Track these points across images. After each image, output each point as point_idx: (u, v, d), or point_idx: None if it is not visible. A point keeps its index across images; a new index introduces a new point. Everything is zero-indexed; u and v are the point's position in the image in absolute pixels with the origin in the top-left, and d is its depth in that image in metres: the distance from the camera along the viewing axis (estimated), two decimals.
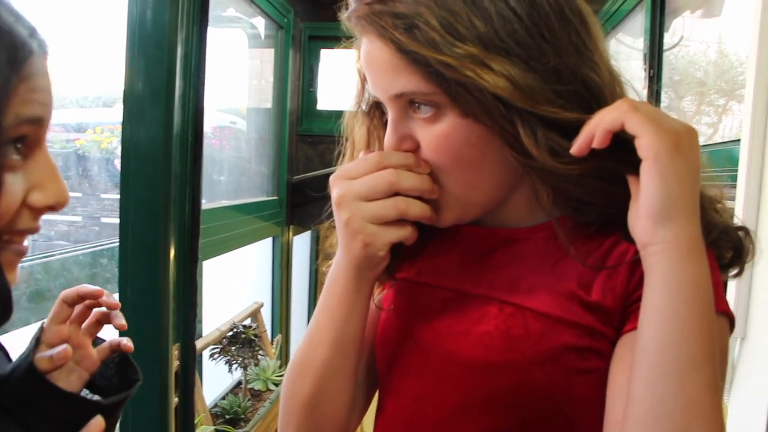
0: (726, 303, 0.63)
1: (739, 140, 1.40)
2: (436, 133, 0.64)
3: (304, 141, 3.48)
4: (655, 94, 2.12)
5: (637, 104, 0.55)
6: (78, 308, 0.75)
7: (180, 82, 1.37)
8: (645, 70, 2.25)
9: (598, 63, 0.63)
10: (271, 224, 2.98)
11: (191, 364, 1.54)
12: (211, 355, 2.32)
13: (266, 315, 2.98)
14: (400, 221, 0.66)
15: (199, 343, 2.09)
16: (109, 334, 0.78)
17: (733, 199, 1.34)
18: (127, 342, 0.76)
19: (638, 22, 2.48)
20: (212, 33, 1.62)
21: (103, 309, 0.76)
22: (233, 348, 2.38)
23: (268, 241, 3.10)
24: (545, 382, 0.64)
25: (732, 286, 1.34)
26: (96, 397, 0.74)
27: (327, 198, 0.69)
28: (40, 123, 0.52)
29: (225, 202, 2.62)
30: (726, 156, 1.62)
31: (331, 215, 0.69)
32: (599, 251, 0.66)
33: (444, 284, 0.74)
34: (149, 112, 1.33)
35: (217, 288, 2.39)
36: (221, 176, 2.74)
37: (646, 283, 0.56)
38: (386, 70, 0.63)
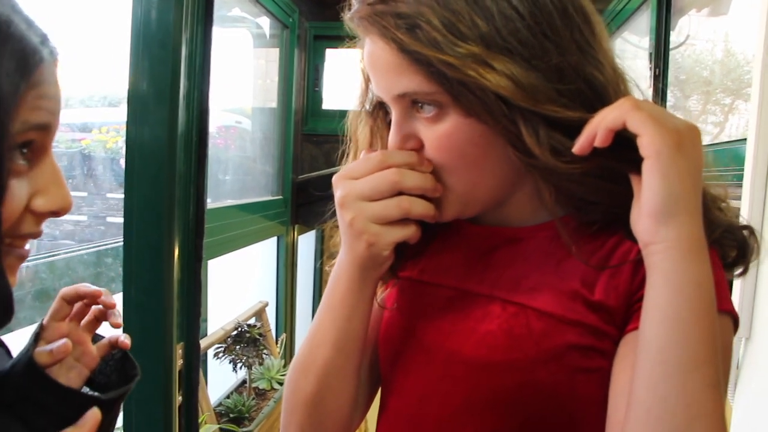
0: (729, 302, 0.63)
1: (745, 139, 1.39)
2: (439, 132, 0.64)
3: (309, 140, 3.48)
4: (660, 93, 2.11)
5: (639, 103, 0.55)
6: (77, 306, 0.76)
7: (184, 82, 1.37)
8: (650, 69, 2.24)
9: (602, 61, 0.62)
10: (276, 223, 2.98)
11: (195, 363, 1.54)
12: (216, 354, 2.32)
13: (271, 314, 2.98)
14: (403, 220, 0.66)
15: (203, 342, 2.10)
16: (109, 332, 0.79)
17: (738, 198, 1.33)
18: (124, 339, 0.77)
19: (644, 21, 2.47)
20: (217, 33, 1.62)
21: (102, 306, 0.76)
22: (238, 347, 2.38)
23: (273, 240, 3.10)
24: (548, 381, 0.64)
25: (737, 285, 1.33)
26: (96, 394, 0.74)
27: (332, 197, 0.69)
28: (47, 130, 0.52)
29: (230, 202, 2.62)
30: (732, 155, 1.61)
31: (335, 214, 0.69)
32: (602, 250, 0.66)
33: (447, 283, 0.74)
34: (153, 112, 1.33)
35: (222, 287, 2.39)
36: (226, 176, 2.75)
37: (648, 282, 0.56)
38: (389, 71, 0.63)
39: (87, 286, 0.75)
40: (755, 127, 1.32)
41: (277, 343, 2.89)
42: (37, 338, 0.73)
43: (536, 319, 0.66)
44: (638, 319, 0.57)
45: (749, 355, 1.36)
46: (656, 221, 0.54)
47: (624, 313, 0.63)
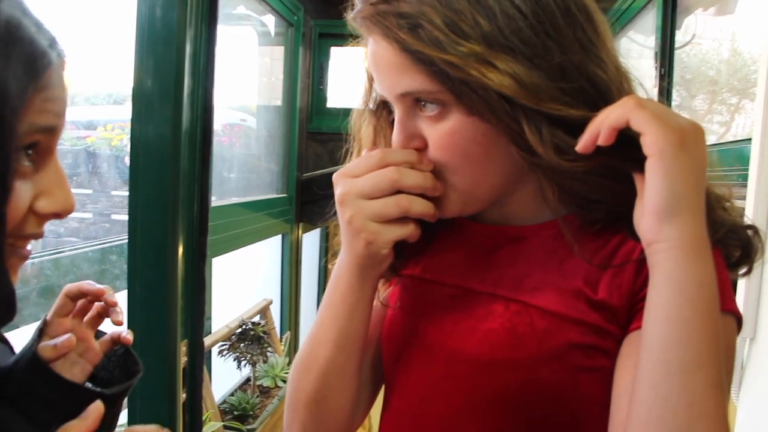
0: (733, 302, 0.63)
1: (750, 139, 1.39)
2: (443, 131, 0.64)
3: (314, 138, 3.48)
4: (666, 93, 2.10)
5: (642, 101, 0.55)
6: (80, 302, 0.76)
7: (189, 80, 1.38)
8: (656, 68, 2.24)
9: (605, 59, 0.62)
10: (280, 221, 2.99)
11: (199, 360, 1.54)
12: (220, 352, 2.33)
13: (275, 312, 2.99)
14: (403, 219, 0.66)
15: (208, 340, 2.10)
16: (112, 328, 0.80)
17: (743, 198, 1.33)
18: (126, 334, 0.77)
19: (650, 20, 2.47)
20: (222, 30, 1.62)
21: (104, 303, 0.77)
22: (242, 345, 2.38)
23: (278, 238, 3.11)
24: (551, 379, 0.64)
25: (741, 285, 1.33)
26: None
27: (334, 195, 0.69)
28: (52, 132, 0.53)
29: (235, 200, 2.63)
30: (736, 155, 1.61)
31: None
32: (606, 249, 0.66)
33: (450, 281, 0.74)
34: (158, 110, 1.34)
35: (227, 285, 2.39)
36: (231, 173, 2.75)
37: (650, 282, 0.56)
38: (391, 70, 0.63)
39: (90, 284, 0.76)
40: (760, 126, 1.32)
41: (281, 341, 2.89)
42: (40, 334, 0.73)
43: (539, 317, 0.66)
44: (641, 318, 0.57)
45: (754, 355, 1.36)
46: (659, 220, 0.54)
47: (627, 312, 0.63)
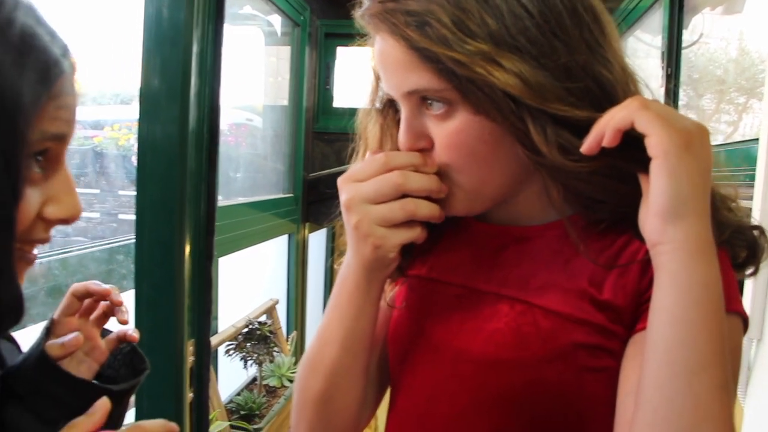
0: (739, 303, 0.62)
1: (757, 139, 1.38)
2: (449, 129, 0.64)
3: (320, 138, 3.49)
4: (672, 94, 2.10)
5: (647, 102, 0.55)
6: (86, 302, 0.77)
7: (195, 80, 1.38)
8: (663, 68, 2.23)
9: (611, 60, 0.62)
10: (286, 221, 2.99)
11: (206, 359, 1.55)
12: (227, 352, 2.33)
13: (281, 312, 2.99)
14: (409, 222, 0.66)
15: (214, 340, 2.11)
16: (117, 327, 0.80)
17: (750, 198, 1.32)
18: (132, 332, 0.78)
19: (656, 20, 2.46)
20: (229, 30, 1.62)
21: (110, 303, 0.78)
22: (248, 344, 2.39)
23: (284, 238, 3.11)
24: (555, 379, 0.64)
25: (748, 286, 1.32)
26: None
27: None
28: (63, 139, 0.53)
29: (241, 199, 2.63)
30: (743, 155, 1.60)
31: None
32: (611, 250, 0.66)
33: (455, 281, 0.74)
34: (165, 109, 1.34)
35: (233, 285, 2.40)
36: (237, 173, 2.75)
37: (655, 283, 0.56)
38: (398, 68, 0.63)
39: (97, 284, 0.77)
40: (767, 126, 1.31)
41: (287, 341, 2.90)
42: (48, 333, 0.74)
43: (543, 317, 0.66)
44: (647, 318, 0.57)
45: (760, 356, 1.35)
46: (664, 221, 0.54)
47: (632, 313, 0.63)
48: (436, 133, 0.65)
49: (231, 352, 2.35)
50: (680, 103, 2.34)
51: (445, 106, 0.63)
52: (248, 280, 2.84)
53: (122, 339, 0.79)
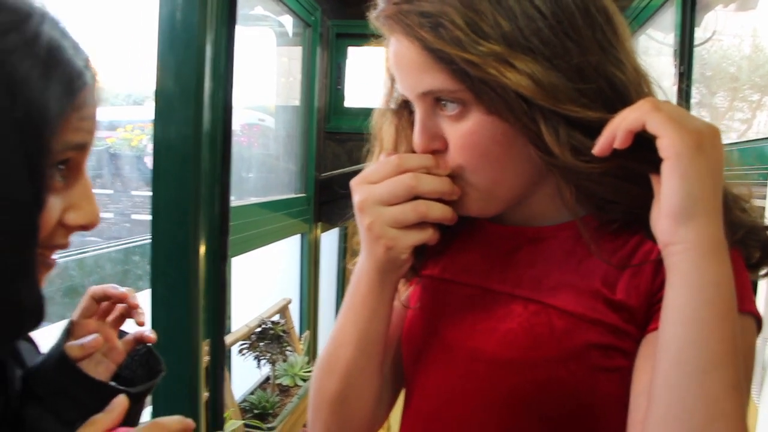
0: (752, 303, 0.62)
1: None
2: (463, 130, 0.64)
3: (332, 138, 3.49)
4: (684, 94, 2.09)
5: (659, 104, 0.55)
6: (104, 304, 0.78)
7: (209, 82, 1.39)
8: (675, 66, 2.22)
9: (623, 61, 0.63)
10: (299, 221, 3.00)
11: (221, 359, 1.56)
12: (240, 351, 2.34)
13: (294, 311, 3.00)
14: (421, 224, 0.67)
15: (227, 339, 2.11)
16: (134, 328, 0.81)
17: (764, 197, 1.31)
18: (149, 333, 0.79)
19: (668, 18, 2.44)
20: (240, 31, 1.63)
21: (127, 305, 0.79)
22: (261, 344, 2.39)
23: (296, 237, 3.12)
24: (569, 379, 0.64)
25: (762, 287, 1.31)
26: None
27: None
28: (84, 148, 0.55)
29: (253, 199, 2.64)
30: (757, 154, 1.59)
31: None
32: (624, 250, 0.66)
33: (469, 281, 0.74)
34: (179, 111, 1.35)
35: (246, 284, 2.40)
36: (250, 173, 2.76)
37: (667, 283, 0.56)
38: (413, 68, 0.64)
39: (114, 287, 0.78)
40: None
41: (300, 340, 2.90)
42: (67, 334, 0.75)
43: (557, 317, 0.66)
44: (659, 319, 0.57)
45: None
46: (675, 222, 0.54)
47: (645, 313, 0.63)
48: (449, 133, 0.66)
49: (244, 351, 2.35)
50: (693, 101, 2.32)
51: (459, 107, 0.64)
52: (261, 280, 2.84)
53: (139, 340, 0.80)
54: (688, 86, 2.20)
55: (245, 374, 2.47)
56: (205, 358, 1.51)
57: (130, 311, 0.78)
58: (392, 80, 0.72)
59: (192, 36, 1.34)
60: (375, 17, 0.66)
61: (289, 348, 2.51)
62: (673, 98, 1.86)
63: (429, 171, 0.66)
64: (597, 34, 0.61)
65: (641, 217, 0.60)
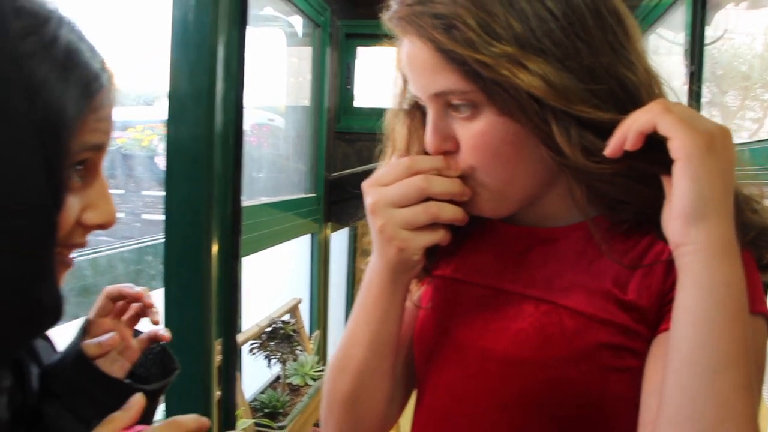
0: (764, 304, 0.62)
1: None
2: (475, 131, 0.64)
3: (342, 138, 3.50)
4: (695, 95, 2.08)
5: (670, 106, 0.55)
6: (119, 303, 0.79)
7: (221, 84, 1.40)
8: (686, 66, 2.21)
9: (635, 62, 0.63)
10: (309, 221, 3.00)
11: (233, 358, 1.57)
12: (251, 350, 2.34)
13: (304, 311, 3.00)
14: (433, 225, 0.67)
15: (238, 338, 2.12)
16: (148, 327, 0.82)
17: None
18: (164, 332, 0.80)
19: (679, 16, 2.43)
20: (250, 32, 1.63)
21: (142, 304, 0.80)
22: (272, 343, 2.40)
23: (307, 237, 3.12)
24: (580, 379, 0.64)
25: None
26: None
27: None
28: (101, 149, 0.56)
29: (264, 199, 2.64)
30: None
31: None
32: (635, 250, 0.66)
33: (481, 282, 0.75)
34: (192, 112, 1.36)
35: (256, 284, 2.41)
36: (260, 173, 2.76)
37: (678, 283, 0.56)
38: (425, 69, 0.64)
39: (130, 287, 0.79)
40: None
41: (310, 340, 2.91)
42: (83, 333, 0.76)
43: (568, 317, 0.66)
44: (670, 319, 0.57)
45: None
46: (686, 223, 0.54)
47: (656, 313, 0.64)
48: (461, 134, 0.66)
49: (255, 350, 2.36)
50: (703, 100, 2.31)
51: (471, 108, 0.64)
52: (271, 280, 2.85)
53: (153, 339, 0.81)
54: (699, 86, 2.19)
55: (255, 373, 2.47)
56: (218, 358, 1.51)
57: (145, 310, 0.79)
58: (405, 81, 0.73)
59: (204, 37, 1.35)
60: (388, 18, 0.67)
61: (299, 347, 2.52)
62: (684, 98, 1.85)
63: (440, 172, 0.67)
64: (608, 35, 0.62)
65: (652, 218, 0.60)
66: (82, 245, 0.59)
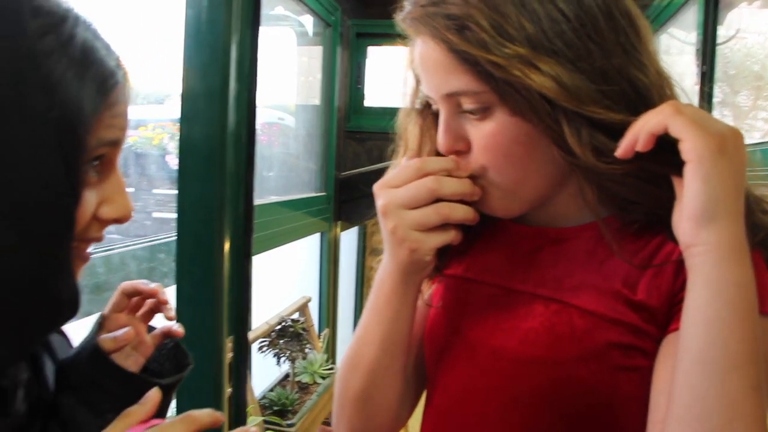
0: None
1: None
2: (486, 131, 0.65)
3: (352, 137, 3.51)
4: (706, 96, 2.06)
5: (681, 107, 0.56)
6: (134, 299, 0.80)
7: (234, 83, 1.41)
8: (698, 66, 2.20)
9: (646, 64, 0.63)
10: (319, 220, 3.01)
11: (244, 355, 1.57)
12: (260, 348, 2.35)
13: (314, 309, 3.01)
14: (444, 225, 0.67)
15: (248, 336, 2.13)
16: (162, 323, 0.83)
17: None
18: (178, 327, 0.81)
19: (691, 16, 2.42)
20: (261, 31, 1.64)
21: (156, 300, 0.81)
22: (281, 341, 2.40)
23: (316, 236, 3.13)
24: (589, 378, 0.65)
25: None
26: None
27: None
28: (117, 144, 0.57)
29: (274, 198, 2.65)
30: None
31: None
32: (646, 251, 0.67)
33: (491, 281, 0.75)
34: (205, 112, 1.37)
35: (266, 282, 2.42)
36: (270, 172, 2.77)
37: (688, 284, 0.56)
38: (438, 70, 0.65)
39: (145, 283, 0.80)
40: None
41: (319, 338, 2.92)
42: (99, 328, 0.77)
43: (578, 317, 0.67)
44: (680, 319, 0.57)
45: None
46: (697, 224, 0.54)
47: (666, 314, 0.64)
48: (473, 134, 0.67)
49: (264, 348, 2.37)
50: (715, 100, 2.30)
51: (483, 109, 0.64)
52: (281, 278, 2.86)
53: (167, 334, 0.82)
54: (711, 87, 2.18)
55: (265, 371, 2.48)
56: (229, 355, 1.52)
57: (160, 306, 0.80)
58: (417, 81, 0.73)
59: (218, 37, 1.35)
60: (401, 19, 0.68)
61: (308, 346, 2.52)
62: (695, 98, 1.84)
63: (450, 173, 0.67)
64: (620, 37, 0.62)
65: (663, 219, 0.60)
66: (98, 239, 0.60)
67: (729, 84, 2.38)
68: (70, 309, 0.55)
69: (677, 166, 0.55)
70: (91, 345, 0.74)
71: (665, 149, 0.56)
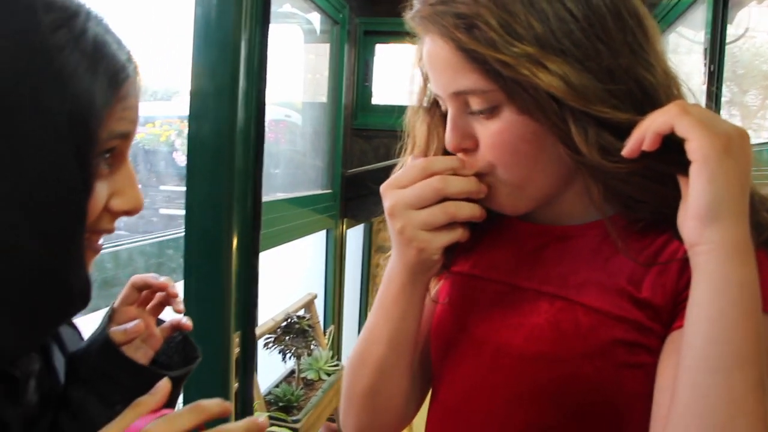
0: None
1: None
2: (494, 129, 0.65)
3: (359, 135, 3.50)
4: (714, 96, 2.06)
5: (688, 107, 0.56)
6: (144, 293, 0.81)
7: (243, 81, 1.41)
8: (706, 65, 2.19)
9: (654, 64, 0.63)
10: (325, 217, 3.01)
11: (251, 351, 1.58)
12: (266, 344, 2.36)
13: (319, 306, 3.02)
14: (450, 224, 0.68)
15: None
16: (170, 317, 0.84)
17: None
18: (186, 321, 0.82)
19: (700, 15, 2.41)
20: (270, 29, 1.64)
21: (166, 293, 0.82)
22: (287, 338, 2.41)
23: (322, 233, 3.13)
24: (594, 375, 0.65)
25: None
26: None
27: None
28: (127, 137, 0.58)
29: (280, 195, 2.65)
30: None
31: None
32: (651, 249, 0.67)
33: (497, 278, 0.75)
34: (214, 109, 1.37)
35: (272, 279, 2.42)
36: (277, 169, 2.77)
37: (692, 282, 0.57)
38: (446, 68, 0.65)
39: (155, 277, 0.81)
40: None
41: (325, 335, 2.92)
42: (109, 320, 0.78)
43: (583, 314, 0.67)
44: (684, 317, 0.58)
45: None
46: (701, 224, 0.55)
47: (670, 311, 0.64)
48: (480, 132, 0.67)
49: (270, 344, 2.37)
50: (723, 99, 2.29)
51: (491, 107, 0.65)
52: (287, 275, 2.86)
53: (176, 327, 0.82)
54: (719, 86, 2.17)
55: (270, 367, 2.49)
56: (236, 350, 1.53)
57: (169, 300, 0.81)
58: (425, 79, 0.74)
59: (227, 35, 1.36)
60: (411, 17, 0.68)
61: (314, 342, 2.53)
62: (703, 98, 1.83)
63: (456, 172, 0.68)
64: (628, 36, 0.62)
65: (669, 217, 0.61)
66: (110, 231, 0.60)
67: (737, 83, 2.37)
68: (82, 300, 0.56)
69: (683, 165, 0.56)
70: (102, 337, 0.75)
71: (671, 149, 0.56)
